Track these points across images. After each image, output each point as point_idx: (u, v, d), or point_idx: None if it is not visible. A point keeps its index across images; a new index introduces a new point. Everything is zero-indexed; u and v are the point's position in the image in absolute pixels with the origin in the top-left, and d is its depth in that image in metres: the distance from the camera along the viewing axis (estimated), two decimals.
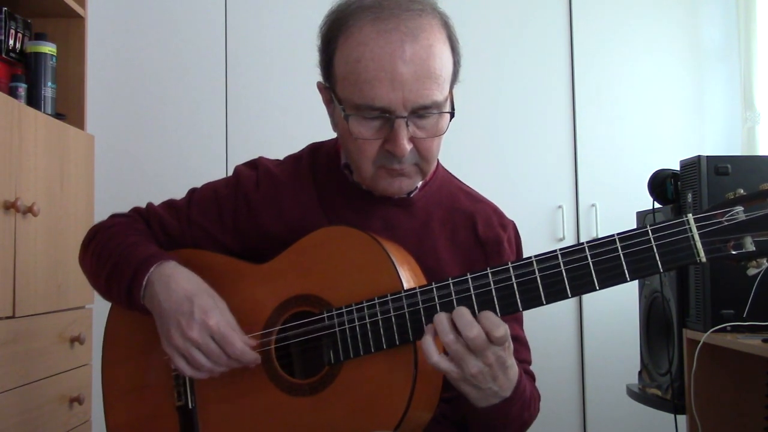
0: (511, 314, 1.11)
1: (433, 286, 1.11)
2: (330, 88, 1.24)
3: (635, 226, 2.44)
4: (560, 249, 1.07)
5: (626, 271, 1.05)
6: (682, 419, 2.14)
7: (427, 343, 1.08)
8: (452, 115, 1.21)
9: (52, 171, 2.16)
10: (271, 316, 1.24)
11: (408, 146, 1.17)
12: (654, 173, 2.26)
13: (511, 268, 1.08)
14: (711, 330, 1.95)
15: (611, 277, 1.05)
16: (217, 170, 2.84)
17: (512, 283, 1.08)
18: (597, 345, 2.85)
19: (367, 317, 1.14)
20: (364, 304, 1.14)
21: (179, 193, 1.43)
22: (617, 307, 2.73)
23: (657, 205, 2.24)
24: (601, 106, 2.93)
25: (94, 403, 2.24)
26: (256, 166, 1.38)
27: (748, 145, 2.79)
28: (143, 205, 1.43)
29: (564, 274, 1.06)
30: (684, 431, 2.15)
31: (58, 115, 2.35)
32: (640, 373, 2.41)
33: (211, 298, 1.22)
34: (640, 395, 2.34)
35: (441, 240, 1.31)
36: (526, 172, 2.90)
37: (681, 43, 2.96)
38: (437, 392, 1.17)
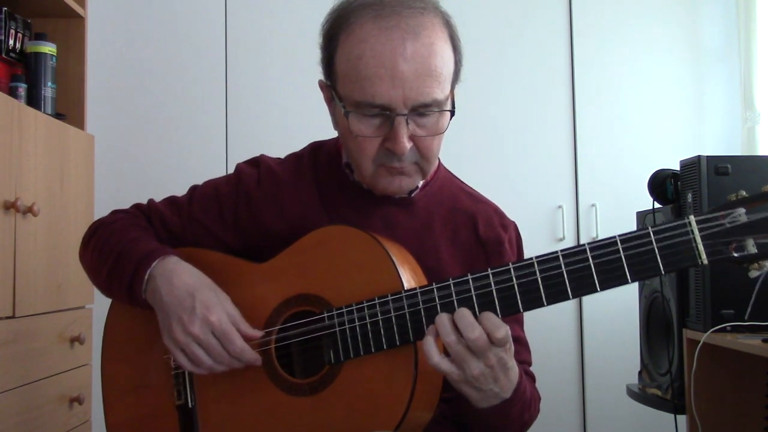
0: (512, 315, 1.11)
1: (434, 286, 1.11)
2: (331, 86, 1.24)
3: (635, 226, 2.47)
4: (561, 250, 1.07)
5: (627, 272, 1.04)
6: (682, 419, 2.14)
7: (429, 344, 1.08)
8: (453, 113, 1.21)
9: (52, 171, 2.15)
10: (271, 316, 1.23)
11: (408, 144, 1.17)
12: (654, 173, 2.26)
13: (512, 269, 1.08)
14: (711, 330, 1.95)
15: (612, 278, 1.05)
16: (217, 170, 2.84)
17: (513, 284, 1.08)
18: (597, 345, 2.85)
19: (367, 317, 1.14)
20: (365, 304, 1.14)
21: (179, 193, 1.43)
22: (617, 307, 2.73)
23: (657, 205, 2.24)
24: (601, 106, 2.93)
25: (94, 403, 2.24)
26: (257, 164, 1.38)
27: (748, 145, 2.79)
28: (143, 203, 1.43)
29: (565, 275, 1.06)
30: (684, 431, 2.15)
31: (58, 115, 2.35)
32: (640, 373, 2.41)
33: (214, 293, 1.22)
34: (640, 395, 2.34)
35: (442, 240, 1.31)
36: (526, 172, 2.90)
37: (681, 43, 2.96)
38: (437, 392, 1.17)
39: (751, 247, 1.01)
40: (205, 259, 1.31)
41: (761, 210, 1.01)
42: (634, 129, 2.92)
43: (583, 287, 1.06)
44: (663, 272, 1.04)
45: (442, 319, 1.07)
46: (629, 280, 1.05)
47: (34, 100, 2.25)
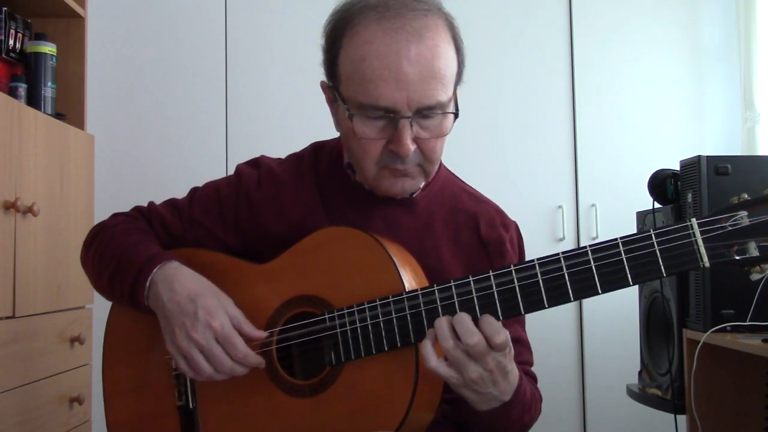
0: (514, 317, 1.11)
1: (435, 288, 1.11)
2: (334, 87, 1.24)
3: (635, 226, 2.47)
4: (563, 252, 1.07)
5: (629, 275, 1.04)
6: (682, 419, 2.14)
7: (426, 348, 1.08)
8: (456, 115, 1.21)
9: (52, 171, 2.15)
10: (272, 317, 1.23)
11: (412, 146, 1.17)
12: (654, 173, 2.26)
13: (513, 271, 1.08)
14: (711, 330, 1.95)
15: (614, 281, 1.05)
16: (217, 170, 2.84)
17: (514, 286, 1.08)
18: (597, 345, 2.86)
19: (368, 318, 1.14)
20: (366, 306, 1.14)
21: (179, 193, 1.43)
22: (617, 307, 2.73)
23: (657, 205, 2.24)
24: (601, 106, 2.93)
25: (94, 403, 2.24)
26: (258, 164, 1.38)
27: (748, 145, 2.79)
28: (143, 204, 1.43)
29: (567, 277, 1.06)
30: (684, 431, 2.15)
31: (58, 115, 2.35)
32: (640, 373, 2.41)
33: (216, 298, 1.21)
34: (640, 395, 2.34)
35: (443, 240, 1.30)
36: (526, 172, 2.90)
37: (681, 43, 2.96)
38: (438, 394, 1.17)
39: (753, 250, 1.01)
40: (206, 260, 1.31)
41: (763, 213, 1.01)
42: (634, 129, 2.92)
43: (585, 289, 1.06)
44: (665, 275, 1.04)
45: (441, 323, 1.07)
46: (631, 283, 1.05)
47: (34, 100, 2.25)
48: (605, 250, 1.06)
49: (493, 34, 2.93)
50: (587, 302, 2.85)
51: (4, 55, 2.19)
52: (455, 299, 1.10)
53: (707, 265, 1.02)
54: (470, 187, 1.41)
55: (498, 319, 1.08)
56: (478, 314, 1.09)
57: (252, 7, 2.93)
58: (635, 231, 2.40)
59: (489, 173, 2.84)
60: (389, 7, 1.16)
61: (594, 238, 2.86)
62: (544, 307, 1.08)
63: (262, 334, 1.21)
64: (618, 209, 2.80)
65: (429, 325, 1.10)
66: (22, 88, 2.22)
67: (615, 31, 2.95)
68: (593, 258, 1.06)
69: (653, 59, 2.95)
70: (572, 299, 1.07)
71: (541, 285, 1.07)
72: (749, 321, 1.93)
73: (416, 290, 1.12)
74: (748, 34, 2.81)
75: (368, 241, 1.17)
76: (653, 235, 1.04)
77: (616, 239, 1.06)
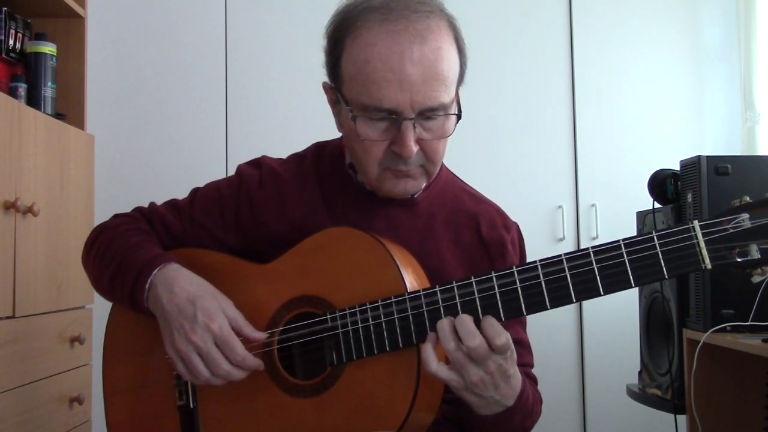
0: (515, 318, 1.11)
1: (437, 289, 1.11)
2: (336, 89, 1.24)
3: (635, 226, 2.46)
4: (565, 254, 1.07)
5: (631, 277, 1.04)
6: (682, 419, 2.15)
7: (427, 351, 1.08)
8: (459, 116, 1.21)
9: (52, 171, 2.15)
10: (273, 317, 1.23)
11: (415, 148, 1.17)
12: (654, 173, 2.27)
13: (515, 272, 1.08)
14: (711, 330, 1.95)
15: (616, 282, 1.05)
16: (217, 170, 2.84)
17: (516, 287, 1.08)
18: (597, 345, 2.86)
19: (370, 319, 1.14)
20: (368, 306, 1.14)
21: (179, 193, 1.43)
22: (617, 307, 2.73)
23: (657, 205, 2.24)
24: (601, 106, 2.93)
25: (94, 403, 2.24)
26: (259, 165, 1.38)
27: (748, 145, 2.79)
28: (144, 205, 1.43)
29: (569, 279, 1.06)
30: (684, 431, 2.15)
31: (58, 115, 2.35)
32: (640, 373, 2.41)
33: (215, 300, 1.21)
34: (640, 395, 2.34)
35: (444, 241, 1.31)
36: (526, 172, 2.90)
37: (681, 43, 2.96)
38: (440, 395, 1.17)
39: (755, 253, 1.01)
40: (206, 261, 1.31)
41: (764, 216, 1.01)
42: (634, 129, 2.92)
43: (587, 291, 1.06)
44: (666, 277, 1.04)
45: (443, 325, 1.07)
46: (632, 285, 1.05)
47: (34, 100, 2.25)
48: (607, 251, 1.06)
49: (493, 34, 2.93)
50: (587, 302, 2.84)
51: (4, 55, 2.19)
52: (457, 300, 1.10)
53: (709, 267, 1.02)
54: (471, 187, 1.41)
55: (500, 320, 1.08)
56: (480, 315, 1.09)
57: (252, 7, 2.93)
58: (635, 231, 2.41)
59: (489, 173, 2.84)
60: (392, 9, 1.16)
61: (594, 238, 2.86)
62: (546, 308, 1.08)
63: (261, 335, 1.21)
64: (618, 209, 2.80)
65: (431, 325, 1.10)
66: (22, 88, 2.22)
67: (615, 31, 2.95)
68: (595, 260, 1.06)
69: (653, 59, 2.95)
70: (574, 300, 1.07)
71: (543, 286, 1.07)
72: (750, 322, 1.93)
73: (418, 291, 1.12)
74: (748, 34, 2.81)
75: (370, 242, 1.17)
76: (655, 237, 1.04)
77: (618, 241, 1.06)
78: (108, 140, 2.81)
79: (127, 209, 1.43)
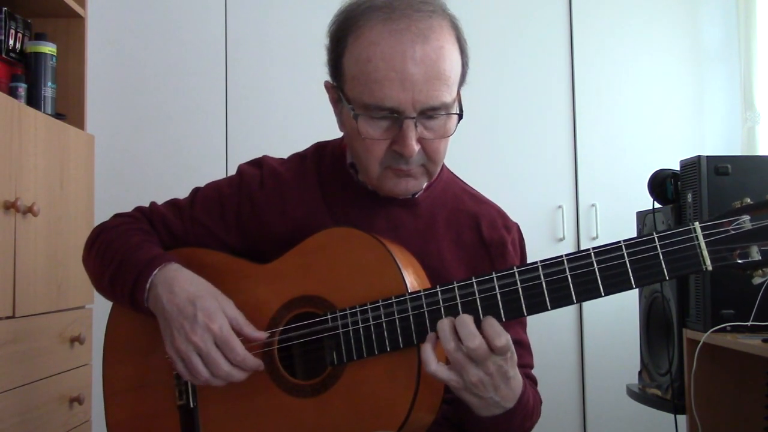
0: (516, 318, 1.11)
1: (438, 289, 1.11)
2: (338, 88, 1.24)
3: (635, 226, 2.46)
4: (566, 255, 1.07)
5: (632, 278, 1.04)
6: (682, 419, 2.15)
7: (426, 352, 1.08)
8: (460, 116, 1.21)
9: (52, 171, 2.15)
10: (274, 317, 1.23)
11: (416, 147, 1.17)
12: (654, 173, 2.27)
13: (516, 273, 1.08)
14: (711, 330, 1.95)
15: (617, 283, 1.05)
16: (217, 170, 2.84)
17: (517, 288, 1.08)
18: (597, 345, 2.86)
19: (371, 319, 1.14)
20: (368, 306, 1.14)
21: (179, 193, 1.43)
22: (617, 307, 2.73)
23: (657, 205, 2.24)
24: (601, 106, 2.93)
25: (94, 403, 2.24)
26: (260, 164, 1.38)
27: (748, 145, 2.79)
28: (144, 204, 1.43)
29: (569, 279, 1.06)
30: (684, 431, 2.15)
31: (58, 115, 2.35)
32: (640, 373, 2.41)
33: (215, 300, 1.21)
34: (640, 395, 2.34)
35: (445, 241, 1.31)
36: (526, 172, 2.90)
37: (681, 43, 2.96)
38: (440, 395, 1.16)
39: (755, 254, 1.01)
40: (207, 260, 1.31)
41: (765, 217, 1.01)
42: (634, 129, 2.93)
43: (587, 292, 1.06)
44: (667, 278, 1.04)
45: (443, 325, 1.07)
46: (633, 286, 1.05)
47: (34, 100, 2.25)
48: (608, 252, 1.06)
49: (493, 34, 2.93)
50: (587, 302, 2.84)
51: (4, 55, 2.19)
52: (458, 300, 1.10)
53: (710, 268, 1.02)
54: (472, 188, 1.41)
55: (500, 320, 1.08)
56: (481, 315, 1.09)
57: (252, 7, 2.93)
58: (635, 231, 2.41)
59: (489, 173, 2.84)
60: (394, 8, 1.16)
61: (594, 238, 2.86)
62: (547, 309, 1.08)
63: (262, 335, 1.21)
64: (618, 209, 2.80)
65: (431, 326, 1.10)
66: (22, 88, 2.22)
67: (615, 31, 2.95)
68: (596, 260, 1.06)
69: (653, 59, 2.95)
70: (575, 301, 1.07)
71: (544, 287, 1.07)
72: (751, 322, 1.93)
73: (419, 291, 1.12)
74: (748, 34, 2.81)
75: (371, 242, 1.17)
76: (656, 238, 1.04)
77: (619, 242, 1.06)
78: (108, 140, 2.81)
79: (127, 209, 1.43)
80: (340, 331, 1.16)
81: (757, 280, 1.03)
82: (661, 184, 2.23)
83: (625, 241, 1.06)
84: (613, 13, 2.96)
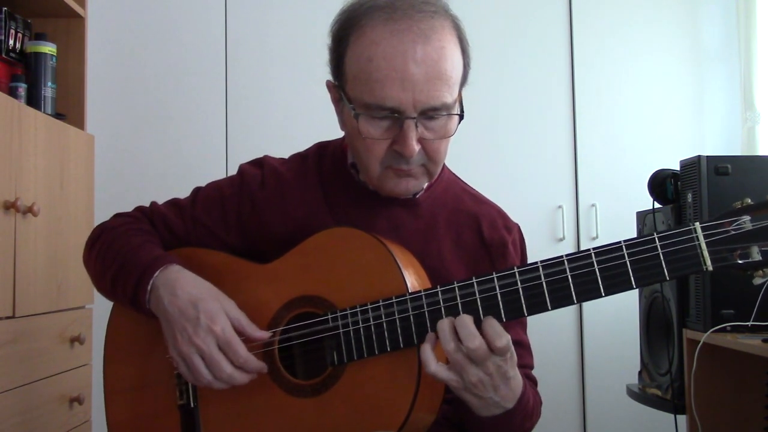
0: (516, 319, 1.11)
1: (438, 289, 1.11)
2: (339, 87, 1.24)
3: (635, 226, 2.46)
4: (566, 255, 1.07)
5: (632, 278, 1.04)
6: (682, 419, 2.15)
7: (426, 352, 1.08)
8: (461, 117, 1.21)
9: (52, 171, 2.15)
10: (274, 317, 1.23)
11: (416, 147, 1.17)
12: (654, 173, 2.27)
13: (516, 273, 1.08)
14: (711, 330, 1.95)
15: (617, 284, 1.05)
16: (217, 170, 2.84)
17: (518, 288, 1.08)
18: (597, 345, 2.86)
19: (371, 319, 1.14)
20: (369, 307, 1.14)
21: (179, 193, 1.43)
22: (617, 307, 2.73)
23: (657, 205, 2.24)
24: (601, 106, 2.93)
25: (94, 403, 2.24)
26: (261, 164, 1.38)
27: (748, 145, 2.79)
28: (145, 205, 1.43)
29: (570, 280, 1.06)
30: (684, 431, 2.15)
31: (58, 115, 2.35)
32: (640, 373, 2.41)
33: (218, 301, 1.21)
34: (640, 395, 2.34)
35: (446, 241, 1.31)
36: (526, 172, 2.90)
37: (681, 43, 2.96)
38: (440, 395, 1.17)
39: (756, 255, 1.01)
40: (208, 260, 1.31)
41: (766, 218, 1.01)
42: (634, 129, 2.93)
43: (588, 292, 1.06)
44: (668, 278, 1.04)
45: (443, 325, 1.07)
46: (634, 286, 1.05)
47: (34, 100, 2.25)
48: (609, 253, 1.06)
49: (493, 34, 2.93)
50: (587, 302, 2.84)
51: (4, 55, 2.19)
52: (458, 300, 1.10)
53: (710, 269, 1.02)
54: (472, 188, 1.41)
55: (501, 320, 1.08)
56: (481, 316, 1.09)
57: (252, 7, 2.93)
58: (635, 231, 2.41)
59: (489, 173, 2.84)
60: (396, 8, 1.16)
61: (594, 238, 2.86)
62: (548, 309, 1.07)
63: (265, 334, 1.21)
64: (618, 209, 2.80)
65: (432, 326, 1.10)
66: (22, 88, 2.22)
67: (615, 31, 2.95)
68: (596, 261, 1.06)
69: (653, 59, 2.95)
70: (575, 302, 1.07)
71: (545, 287, 1.07)
72: (751, 322, 1.93)
73: (419, 291, 1.12)
74: (748, 34, 2.81)
75: (371, 242, 1.17)
76: (657, 239, 1.04)
77: (619, 242, 1.06)
78: (108, 140, 2.81)
79: (128, 209, 1.43)
80: (341, 331, 1.16)
81: (757, 281, 1.03)
82: (661, 184, 2.23)
83: (625, 241, 1.05)
84: (613, 13, 2.96)
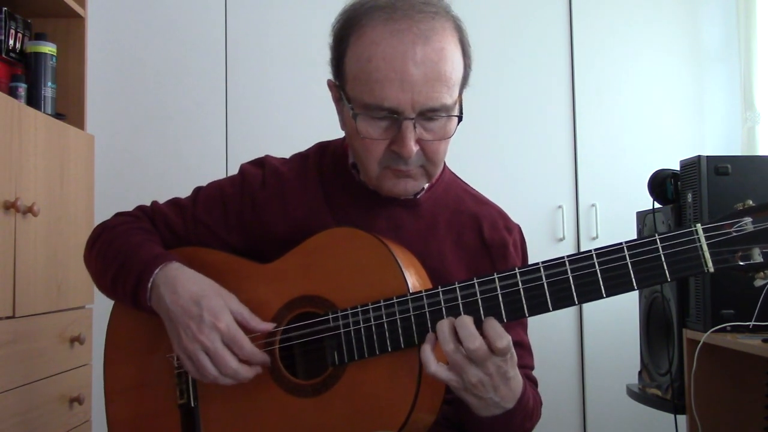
0: (517, 320, 1.11)
1: (440, 289, 1.11)
2: (340, 86, 1.24)
3: (635, 226, 2.46)
4: (568, 256, 1.07)
5: (634, 279, 1.04)
6: (682, 419, 2.15)
7: (426, 352, 1.08)
8: (460, 118, 1.21)
9: (52, 171, 2.15)
10: (275, 317, 1.23)
11: (414, 148, 1.17)
12: (654, 173, 2.27)
13: (518, 274, 1.08)
14: (711, 330, 1.95)
15: (618, 285, 1.05)
16: (217, 170, 2.84)
17: (519, 289, 1.08)
18: (597, 345, 2.86)
19: (372, 319, 1.14)
20: (370, 307, 1.14)
21: (179, 193, 1.43)
22: (617, 307, 2.72)
23: (657, 205, 2.24)
24: (601, 106, 2.93)
25: (94, 403, 2.24)
26: (262, 164, 1.38)
27: (748, 145, 2.79)
28: (145, 204, 1.43)
29: (571, 281, 1.06)
30: (684, 431, 2.15)
31: (58, 115, 2.35)
32: (640, 373, 2.41)
33: (220, 297, 1.21)
34: (640, 395, 2.34)
35: (446, 242, 1.31)
36: (526, 172, 2.90)
37: (681, 43, 2.96)
38: (441, 396, 1.16)
39: (757, 256, 1.01)
40: (209, 260, 1.31)
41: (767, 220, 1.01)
42: (634, 129, 2.92)
43: (589, 293, 1.06)
44: (669, 279, 1.04)
45: (443, 326, 1.07)
46: (635, 287, 1.05)
47: (34, 100, 2.25)
48: (610, 254, 1.05)
49: (493, 34, 2.93)
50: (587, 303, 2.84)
51: (4, 55, 2.19)
52: (459, 301, 1.10)
53: (712, 270, 1.02)
54: (473, 189, 1.41)
55: (501, 321, 1.08)
56: (482, 316, 1.09)
57: (252, 7, 2.93)
58: (635, 231, 2.41)
59: (489, 173, 2.84)
60: (397, 9, 1.16)
61: (594, 239, 2.86)
62: (549, 310, 1.07)
63: (268, 326, 1.21)
64: (618, 209, 2.80)
65: (432, 326, 1.10)
66: (22, 88, 2.22)
67: (615, 31, 2.95)
68: (598, 262, 1.06)
69: (653, 59, 2.95)
70: (576, 303, 1.07)
71: (546, 288, 1.07)
72: (753, 323, 1.93)
73: (420, 291, 1.12)
74: (748, 34, 2.81)
75: (372, 242, 1.17)
76: (658, 240, 1.04)
77: (620, 243, 1.06)
78: (108, 140, 2.81)
79: (128, 209, 1.43)
80: (342, 331, 1.16)
81: (758, 282, 1.03)
82: (661, 184, 2.23)
83: (626, 242, 1.05)
84: (613, 13, 2.96)
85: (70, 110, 2.49)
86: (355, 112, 1.18)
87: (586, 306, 2.85)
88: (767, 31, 2.78)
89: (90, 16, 2.64)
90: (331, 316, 1.17)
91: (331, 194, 1.33)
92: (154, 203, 1.42)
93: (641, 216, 2.39)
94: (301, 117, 2.80)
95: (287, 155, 1.41)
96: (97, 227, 1.40)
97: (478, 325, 1.07)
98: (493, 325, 1.06)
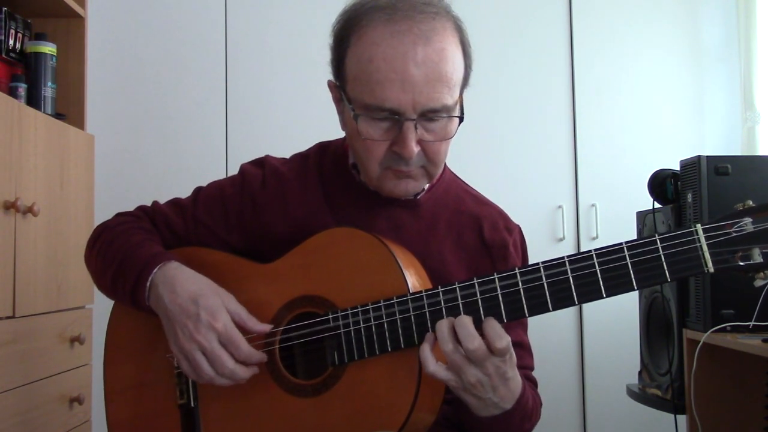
0: (517, 320, 1.11)
1: (440, 289, 1.11)
2: (340, 87, 1.24)
3: (635, 226, 2.46)
4: (568, 256, 1.07)
5: (634, 280, 1.04)
6: (682, 419, 2.15)
7: (425, 352, 1.08)
8: (461, 119, 1.21)
9: (52, 171, 2.15)
10: (275, 317, 1.23)
11: (415, 149, 1.17)
12: (654, 173, 2.27)
13: (518, 274, 1.08)
14: (711, 330, 1.95)
15: (618, 285, 1.05)
16: (217, 170, 2.84)
17: (519, 289, 1.08)
18: (597, 345, 2.86)
19: (372, 319, 1.14)
20: (370, 307, 1.14)
21: (179, 193, 1.43)
22: (617, 307, 2.72)
23: (657, 205, 2.24)
24: (601, 106, 2.93)
25: (94, 403, 2.24)
26: (262, 164, 1.38)
27: (748, 145, 2.79)
28: (146, 204, 1.43)
29: (571, 281, 1.06)
30: (684, 431, 2.15)
31: (58, 115, 2.35)
32: (640, 373, 2.41)
33: (217, 297, 1.21)
34: (640, 395, 2.34)
35: (447, 242, 1.31)
36: (526, 172, 2.90)
37: (681, 43, 2.96)
38: (441, 396, 1.17)
39: (757, 257, 1.01)
40: (209, 260, 1.31)
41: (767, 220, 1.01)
42: (634, 129, 2.92)
43: (589, 293, 1.06)
44: (669, 280, 1.04)
45: (442, 326, 1.07)
46: (635, 287, 1.05)
47: (34, 100, 2.25)
48: (610, 254, 1.05)
49: (493, 34, 2.93)
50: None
51: (4, 55, 2.19)
52: (459, 301, 1.10)
53: (712, 270, 1.02)
54: (473, 189, 1.41)
55: (501, 321, 1.08)
56: (482, 316, 1.09)
57: (252, 7, 2.93)
58: (635, 231, 2.41)
59: (489, 173, 2.84)
60: (397, 9, 1.16)
61: (594, 238, 2.86)
62: (549, 310, 1.07)
63: (265, 327, 1.21)
64: (618, 209, 2.80)
65: (433, 326, 1.10)
66: (22, 88, 2.22)
67: (615, 31, 2.95)
68: (598, 262, 1.06)
69: (653, 59, 2.95)
70: (576, 303, 1.06)
71: (546, 288, 1.07)
72: (753, 323, 1.93)
73: (420, 291, 1.12)
74: (748, 34, 2.81)
75: (372, 242, 1.17)
76: (658, 240, 1.04)
77: (621, 244, 1.06)
78: (108, 140, 2.81)
79: (128, 209, 1.43)
80: (342, 331, 1.16)
81: (758, 283, 1.03)
82: (661, 184, 2.23)
83: (626, 242, 1.05)
84: (613, 13, 2.96)
85: (70, 110, 2.49)
86: (356, 113, 1.18)
87: (586, 306, 2.85)
88: (767, 31, 2.78)
89: (90, 16, 2.64)
90: (331, 316, 1.17)
91: (331, 194, 1.33)
92: (155, 203, 1.42)
93: (641, 216, 2.39)
94: (301, 117, 2.80)
95: (287, 155, 1.41)
96: (97, 227, 1.40)
97: (478, 325, 1.07)
98: (493, 326, 1.06)
